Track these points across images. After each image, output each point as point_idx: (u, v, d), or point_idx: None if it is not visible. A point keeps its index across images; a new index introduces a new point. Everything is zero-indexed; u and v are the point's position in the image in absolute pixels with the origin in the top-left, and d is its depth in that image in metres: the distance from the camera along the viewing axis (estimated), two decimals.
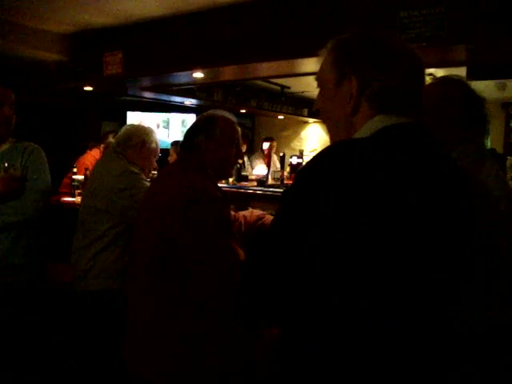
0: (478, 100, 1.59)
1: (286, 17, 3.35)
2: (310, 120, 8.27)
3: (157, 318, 1.65)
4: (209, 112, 1.90)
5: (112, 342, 2.08)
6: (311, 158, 0.92)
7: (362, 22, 2.58)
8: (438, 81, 1.61)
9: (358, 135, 0.97)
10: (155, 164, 2.81)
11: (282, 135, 8.53)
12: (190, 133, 1.84)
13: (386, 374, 0.87)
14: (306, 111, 7.39)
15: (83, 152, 4.79)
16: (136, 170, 2.50)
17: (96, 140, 4.97)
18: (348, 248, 0.83)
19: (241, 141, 1.91)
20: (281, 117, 7.49)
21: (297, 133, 8.75)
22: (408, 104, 0.97)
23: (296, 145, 8.56)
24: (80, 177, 4.02)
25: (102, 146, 4.53)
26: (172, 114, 7.61)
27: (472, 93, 1.58)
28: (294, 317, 0.92)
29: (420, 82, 1.01)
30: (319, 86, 1.07)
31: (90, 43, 4.23)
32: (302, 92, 6.50)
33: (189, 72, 3.73)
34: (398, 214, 0.85)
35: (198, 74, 3.82)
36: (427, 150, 0.95)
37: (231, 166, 1.93)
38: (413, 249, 0.87)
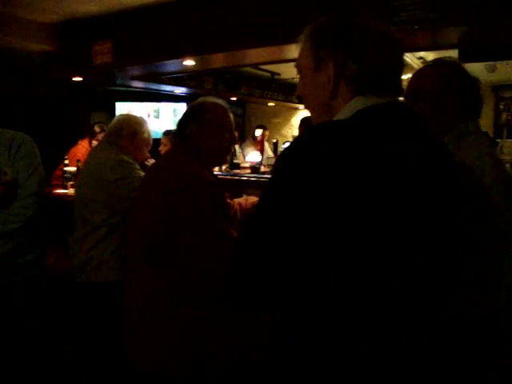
0: (474, 81, 1.59)
1: (275, 2, 3.32)
2: (301, 106, 8.23)
3: (156, 308, 1.65)
4: (199, 100, 1.90)
5: (113, 333, 2.08)
6: (291, 141, 0.92)
7: (353, 5, 2.56)
8: (433, 63, 1.61)
9: (337, 118, 0.98)
10: (148, 154, 2.80)
11: (273, 122, 8.50)
12: (183, 121, 1.85)
13: (377, 360, 0.88)
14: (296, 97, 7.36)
15: (73, 143, 4.74)
16: (130, 160, 2.48)
17: (86, 131, 4.93)
18: (330, 229, 0.84)
19: (234, 126, 1.92)
20: (271, 104, 7.47)
21: (287, 119, 8.72)
22: (387, 85, 0.98)
23: (287, 131, 8.54)
24: (72, 168, 3.99)
25: (89, 136, 4.52)
26: (162, 103, 7.53)
27: (467, 74, 1.58)
28: (284, 300, 0.93)
29: (397, 62, 1.02)
30: (299, 72, 1.08)
31: (78, 32, 4.16)
32: (293, 78, 6.46)
33: (179, 60, 3.69)
34: (380, 194, 0.85)
35: (189, 62, 3.78)
36: (408, 128, 0.96)
37: (226, 151, 1.94)
38: (395, 231, 0.87)
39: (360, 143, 0.86)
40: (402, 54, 1.02)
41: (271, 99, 6.86)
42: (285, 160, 0.91)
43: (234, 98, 6.75)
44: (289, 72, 5.97)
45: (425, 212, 0.91)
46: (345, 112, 0.96)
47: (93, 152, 2.69)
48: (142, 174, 2.46)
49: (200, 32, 3.53)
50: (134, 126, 2.58)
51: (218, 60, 4.07)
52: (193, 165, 1.73)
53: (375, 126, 0.91)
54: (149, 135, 2.67)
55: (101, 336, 2.37)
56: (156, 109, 7.68)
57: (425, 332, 0.95)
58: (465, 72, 1.58)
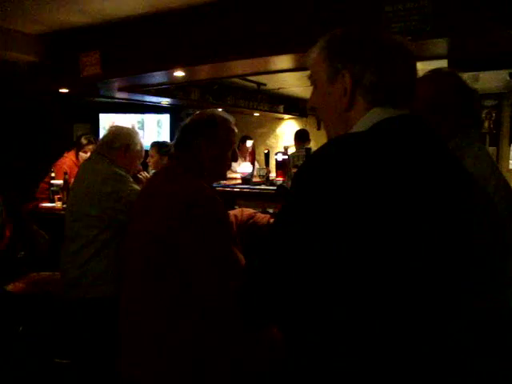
0: (472, 92, 1.62)
1: (264, 14, 3.33)
2: (286, 116, 8.28)
3: (157, 326, 1.61)
4: (207, 112, 1.86)
5: (108, 351, 2.03)
6: (311, 155, 0.92)
7: (346, 18, 2.59)
8: (432, 74, 1.62)
9: (355, 129, 0.97)
10: (140, 166, 2.77)
11: (258, 132, 8.50)
12: (189, 133, 1.78)
13: (391, 375, 0.87)
14: (281, 108, 7.38)
15: (57, 155, 4.65)
16: (122, 173, 2.46)
17: (70, 143, 4.86)
18: (352, 246, 0.83)
19: (236, 142, 1.90)
20: (256, 114, 7.47)
21: (272, 130, 8.74)
22: (402, 96, 0.99)
23: (272, 142, 8.55)
24: (59, 181, 3.91)
25: (76, 148, 4.43)
26: (146, 114, 7.49)
27: (466, 85, 1.60)
28: (299, 317, 0.92)
29: (412, 73, 1.02)
30: (312, 83, 1.08)
31: (65, 43, 4.10)
32: (278, 89, 6.48)
33: (169, 71, 3.67)
34: (404, 211, 0.85)
35: (179, 73, 3.76)
36: (427, 142, 0.96)
37: (227, 167, 1.90)
38: (417, 247, 0.87)
39: (384, 158, 0.86)
40: (415, 65, 1.02)
41: (257, 109, 6.85)
42: (306, 175, 0.89)
43: (220, 109, 6.75)
44: (274, 82, 5.99)
45: (446, 228, 0.90)
46: (363, 124, 0.96)
47: (84, 165, 2.65)
48: (136, 187, 2.44)
49: (189, 43, 3.52)
50: (126, 137, 2.55)
51: (206, 71, 4.07)
52: (196, 180, 1.69)
53: (396, 139, 0.91)
54: (141, 147, 2.65)
55: (95, 353, 2.31)
56: (140, 120, 7.63)
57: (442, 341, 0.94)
58: (464, 82, 1.60)
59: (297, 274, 0.87)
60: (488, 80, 4.76)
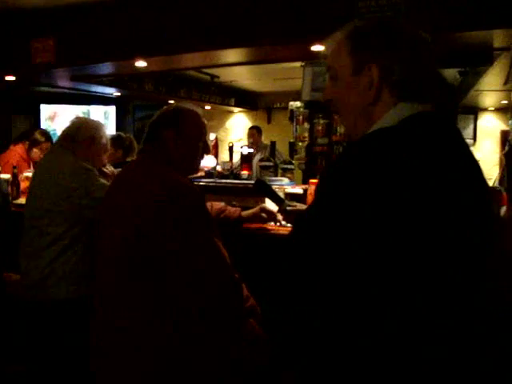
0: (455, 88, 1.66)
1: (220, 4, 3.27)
2: (236, 109, 8.25)
3: (136, 327, 1.54)
4: (176, 105, 1.86)
5: (77, 355, 1.93)
6: (343, 151, 0.90)
7: (317, 12, 2.59)
8: None
9: (381, 124, 0.95)
10: (105, 160, 2.65)
11: (207, 125, 8.42)
12: (156, 126, 1.76)
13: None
14: (233, 101, 7.36)
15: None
16: (89, 167, 2.33)
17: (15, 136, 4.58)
18: (390, 245, 0.83)
19: (208, 135, 1.87)
20: (208, 107, 7.39)
21: (222, 123, 8.69)
22: (428, 91, 0.98)
23: (221, 135, 8.48)
24: (6, 175, 3.65)
25: (27, 142, 4.16)
26: (92, 106, 7.19)
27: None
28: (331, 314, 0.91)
29: (436, 68, 1.02)
30: (332, 75, 1.05)
31: (15, 27, 3.79)
32: (231, 81, 6.44)
33: (128, 61, 3.51)
34: (441, 209, 0.85)
35: (141, 64, 3.61)
36: (455, 140, 0.96)
37: (199, 161, 1.87)
38: (452, 246, 0.87)
39: (419, 156, 0.86)
40: (437, 60, 1.02)
41: (209, 102, 6.78)
42: (344, 173, 0.87)
43: (172, 101, 6.61)
44: (228, 75, 5.94)
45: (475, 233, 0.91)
46: (389, 119, 0.94)
47: (46, 159, 2.49)
48: (104, 181, 2.33)
49: (150, 33, 3.39)
50: (90, 130, 2.42)
51: (165, 62, 3.95)
52: (171, 172, 1.65)
53: (427, 136, 0.91)
54: (107, 140, 2.53)
55: (65, 358, 2.19)
56: (85, 111, 7.32)
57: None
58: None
59: (332, 275, 0.86)
60: None
